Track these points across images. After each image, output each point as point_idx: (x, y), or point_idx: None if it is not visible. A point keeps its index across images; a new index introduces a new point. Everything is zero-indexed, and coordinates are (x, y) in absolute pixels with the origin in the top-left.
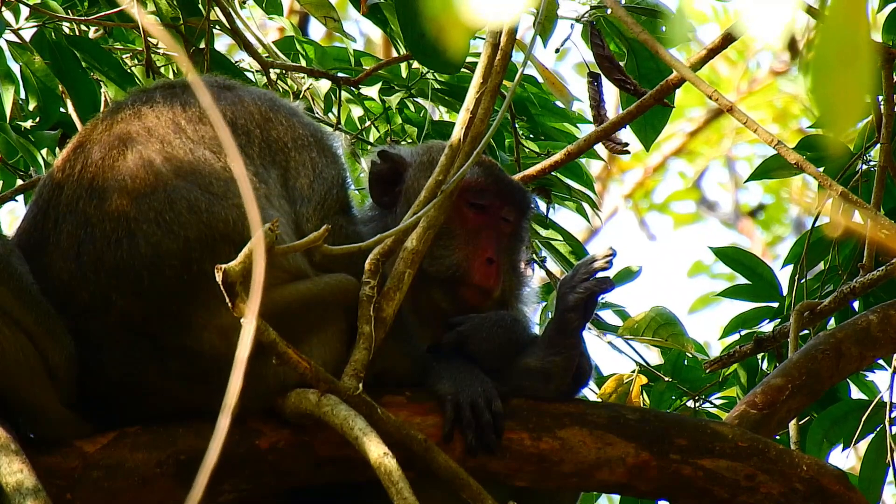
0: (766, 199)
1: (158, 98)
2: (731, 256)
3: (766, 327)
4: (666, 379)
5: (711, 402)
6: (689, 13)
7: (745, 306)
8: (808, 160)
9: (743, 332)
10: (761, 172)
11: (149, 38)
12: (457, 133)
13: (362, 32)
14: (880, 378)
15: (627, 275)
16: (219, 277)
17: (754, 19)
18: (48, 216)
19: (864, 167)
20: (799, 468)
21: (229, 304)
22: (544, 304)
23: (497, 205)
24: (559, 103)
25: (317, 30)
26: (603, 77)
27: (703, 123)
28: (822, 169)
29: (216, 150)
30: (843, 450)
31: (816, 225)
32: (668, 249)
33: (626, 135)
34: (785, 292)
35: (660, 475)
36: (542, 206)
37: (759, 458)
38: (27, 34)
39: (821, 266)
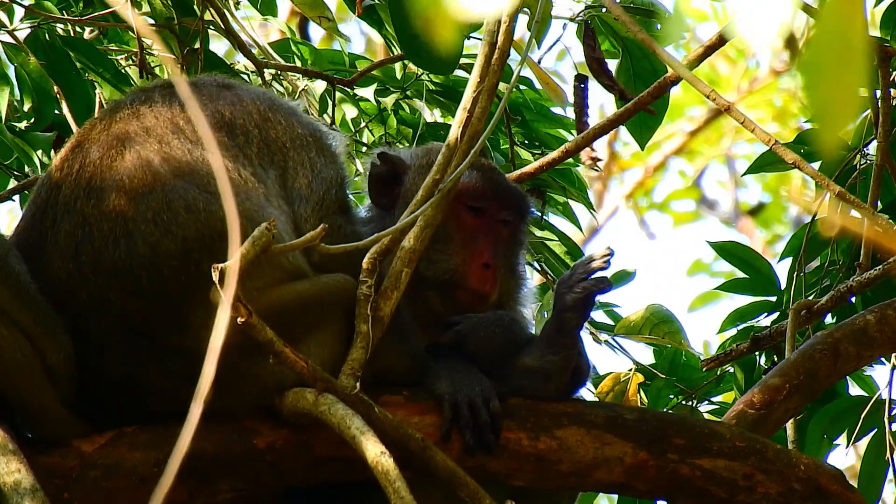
0: (766, 197)
1: (157, 98)
2: (730, 251)
3: (765, 321)
4: (662, 376)
5: (710, 401)
6: (687, 12)
7: (743, 301)
8: (805, 155)
9: (741, 326)
10: (758, 166)
11: (143, 39)
12: (454, 132)
13: (363, 32)
14: (879, 374)
15: (623, 277)
16: (215, 276)
17: (750, 21)
18: (46, 216)
19: (862, 163)
20: (797, 468)
21: (221, 295)
22: (540, 304)
23: (495, 208)
24: (555, 107)
25: (317, 32)
26: (590, 83)
27: (703, 122)
28: (819, 164)
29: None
30: (847, 446)
31: (815, 219)
32: (668, 248)
33: (621, 132)
34: (783, 286)
35: (658, 475)
36: (534, 208)
37: (757, 457)
38: (21, 35)
39: (819, 261)
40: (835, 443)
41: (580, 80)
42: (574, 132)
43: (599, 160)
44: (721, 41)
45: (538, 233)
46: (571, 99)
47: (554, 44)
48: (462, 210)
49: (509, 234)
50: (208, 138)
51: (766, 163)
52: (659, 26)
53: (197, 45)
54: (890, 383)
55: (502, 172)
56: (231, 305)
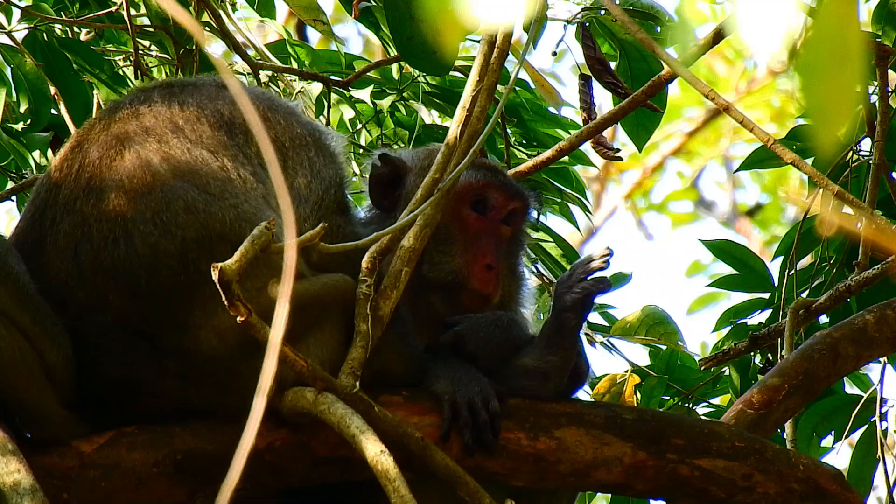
0: (764, 198)
1: (156, 98)
2: (723, 249)
3: (758, 318)
4: (655, 375)
5: (708, 403)
6: (690, 14)
7: (739, 299)
8: (798, 152)
9: (735, 323)
10: (752, 163)
11: (138, 40)
12: (453, 131)
13: (360, 33)
14: (875, 371)
15: (620, 279)
16: (215, 276)
17: (752, 25)
18: (45, 215)
19: (856, 161)
20: (796, 468)
21: (225, 303)
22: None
23: (497, 208)
24: (550, 108)
25: (315, 33)
26: (594, 80)
27: (701, 123)
28: (811, 161)
29: (214, 150)
30: (834, 444)
31: (807, 216)
32: (666, 249)
33: (619, 135)
34: (776, 283)
35: (657, 475)
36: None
37: (756, 457)
38: (18, 36)
39: (812, 257)
40: (826, 440)
41: (584, 79)
42: (570, 132)
43: (618, 149)
44: (718, 38)
45: (534, 235)
46: (569, 100)
47: (558, 44)
48: (464, 210)
49: (511, 234)
50: (269, 155)
51: (760, 159)
52: (658, 29)
53: (193, 47)
54: (881, 381)
55: (503, 171)
56: (230, 305)
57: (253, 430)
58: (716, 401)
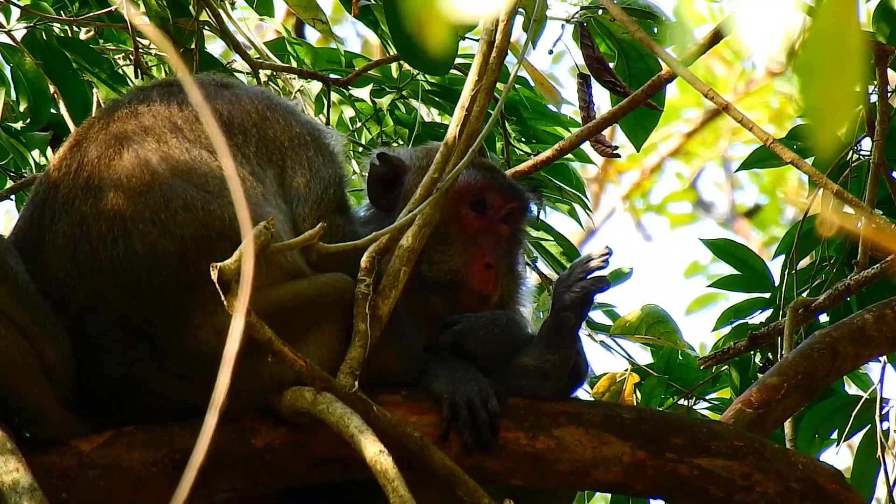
0: (762, 199)
1: (155, 97)
2: (724, 248)
3: (759, 318)
4: (656, 375)
5: (707, 400)
6: (687, 14)
7: (738, 300)
8: (798, 152)
9: (735, 323)
10: (751, 163)
11: (138, 38)
12: (452, 131)
13: (359, 34)
14: (875, 370)
15: (619, 276)
16: (214, 275)
17: (750, 24)
18: (44, 215)
19: (855, 160)
20: (795, 467)
21: (224, 302)
22: (536, 304)
23: (495, 208)
24: (550, 106)
25: (313, 32)
26: (593, 79)
27: (700, 124)
28: (811, 160)
29: (213, 150)
30: (837, 444)
31: (807, 216)
32: (665, 250)
33: (617, 135)
34: (777, 283)
35: (656, 474)
36: (534, 207)
37: (755, 457)
38: (18, 35)
39: (812, 257)
40: (829, 439)
41: (583, 78)
42: (570, 129)
43: (616, 147)
44: (717, 38)
45: (534, 233)
46: (570, 99)
47: (555, 43)
48: (463, 210)
49: (510, 233)
50: (219, 141)
51: (760, 159)
52: (656, 30)
53: (192, 46)
54: (881, 381)
55: (502, 171)
56: (230, 305)
57: (205, 442)
58: (715, 395)
